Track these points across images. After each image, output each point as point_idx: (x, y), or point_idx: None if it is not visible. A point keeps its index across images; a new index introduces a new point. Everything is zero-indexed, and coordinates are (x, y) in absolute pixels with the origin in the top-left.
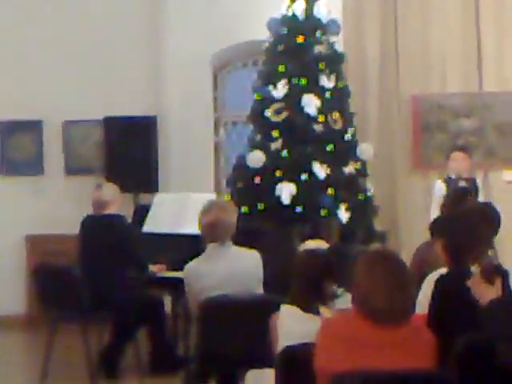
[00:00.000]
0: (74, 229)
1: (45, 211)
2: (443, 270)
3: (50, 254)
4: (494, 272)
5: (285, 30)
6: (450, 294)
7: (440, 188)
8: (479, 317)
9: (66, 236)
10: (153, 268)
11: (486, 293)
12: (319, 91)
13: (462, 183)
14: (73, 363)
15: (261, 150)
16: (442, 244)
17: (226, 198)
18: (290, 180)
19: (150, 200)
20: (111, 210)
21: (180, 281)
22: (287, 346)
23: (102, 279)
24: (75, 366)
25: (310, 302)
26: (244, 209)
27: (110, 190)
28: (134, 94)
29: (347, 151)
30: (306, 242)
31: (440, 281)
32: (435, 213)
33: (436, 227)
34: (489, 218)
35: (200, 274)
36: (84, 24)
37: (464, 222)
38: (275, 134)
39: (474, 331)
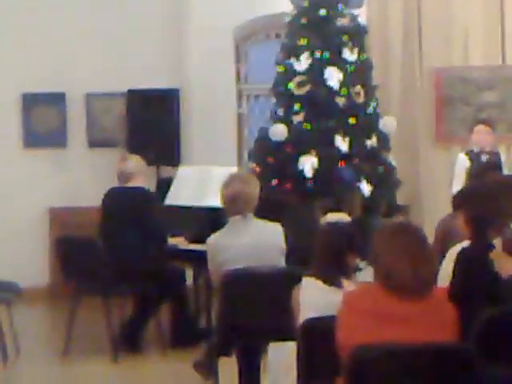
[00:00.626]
0: (97, 201)
1: (68, 184)
2: (466, 243)
3: (73, 227)
4: None
5: (307, 3)
6: (473, 267)
7: (463, 161)
8: (501, 289)
9: (89, 208)
10: (173, 240)
11: (507, 265)
12: (342, 64)
13: (485, 157)
14: (95, 336)
15: (283, 123)
16: (463, 217)
17: (250, 170)
18: (313, 153)
19: (172, 173)
20: (136, 182)
21: (202, 253)
22: (309, 319)
23: (124, 252)
24: (97, 339)
25: (332, 274)
26: (267, 182)
27: (135, 162)
28: (157, 67)
29: (369, 124)
30: (328, 215)
31: (462, 254)
32: (457, 186)
33: (457, 200)
34: (508, 191)
35: (222, 247)
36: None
37: (486, 195)
38: (297, 107)
39: (496, 304)
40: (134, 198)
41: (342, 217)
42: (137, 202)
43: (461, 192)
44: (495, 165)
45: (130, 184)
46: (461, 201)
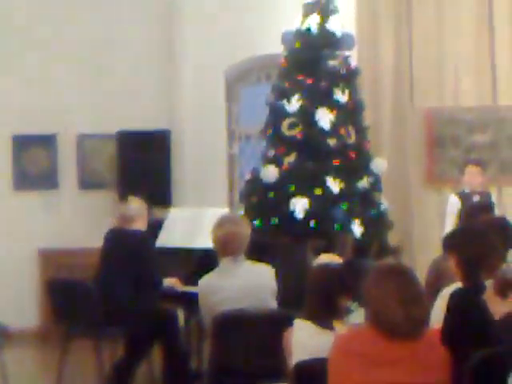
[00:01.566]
0: (88, 243)
1: (58, 225)
2: (457, 285)
3: (63, 268)
4: (508, 286)
5: (299, 44)
6: (465, 308)
7: (454, 202)
8: (494, 331)
9: (79, 250)
10: (168, 282)
11: (499, 307)
12: (333, 105)
13: (477, 197)
14: (86, 379)
15: (274, 164)
16: (454, 259)
17: (240, 212)
18: (304, 194)
19: (163, 214)
20: (137, 225)
21: (193, 295)
22: (301, 361)
23: (117, 294)
24: (88, 381)
25: (324, 316)
26: (257, 223)
27: (137, 205)
28: (148, 108)
29: (361, 165)
30: (320, 257)
31: (454, 295)
32: (449, 227)
33: (448, 242)
34: (502, 232)
35: (214, 289)
36: (98, 38)
37: (476, 237)
38: (289, 148)
39: (488, 346)
40: (132, 242)
41: (334, 258)
42: (135, 245)
43: (451, 234)
44: (487, 205)
45: (131, 227)
46: (451, 243)
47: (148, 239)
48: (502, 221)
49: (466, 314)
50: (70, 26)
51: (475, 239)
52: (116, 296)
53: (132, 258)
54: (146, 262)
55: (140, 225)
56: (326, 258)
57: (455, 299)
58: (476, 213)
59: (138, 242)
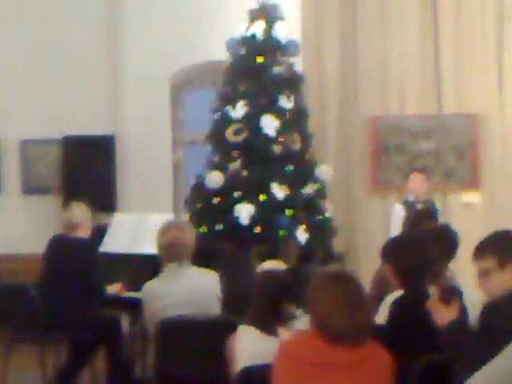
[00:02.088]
0: (31, 248)
1: (1, 231)
2: (400, 292)
3: (6, 274)
4: (451, 293)
5: (244, 51)
6: (405, 316)
7: (399, 211)
8: (437, 339)
9: (23, 255)
10: (112, 288)
11: (443, 315)
12: (278, 112)
13: (420, 206)
14: None
15: (219, 170)
16: (390, 268)
17: (185, 218)
18: (249, 201)
19: (108, 220)
20: (81, 232)
21: (137, 301)
22: (245, 367)
23: (60, 300)
24: None
25: (268, 322)
26: (202, 229)
27: (81, 211)
28: (93, 114)
29: (306, 172)
30: (264, 263)
31: (395, 303)
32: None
33: (385, 252)
34: (445, 240)
35: (157, 295)
36: (42, 43)
37: (411, 247)
38: (234, 154)
39: (431, 353)
40: (76, 249)
41: (278, 265)
42: (79, 252)
43: (387, 244)
44: (431, 213)
45: (75, 234)
46: (387, 253)
47: (92, 246)
48: (445, 228)
49: (407, 321)
50: (14, 28)
51: (410, 249)
52: (59, 302)
53: (76, 265)
54: (89, 268)
55: (84, 231)
56: (270, 265)
57: (396, 307)
58: (419, 221)
59: (81, 249)
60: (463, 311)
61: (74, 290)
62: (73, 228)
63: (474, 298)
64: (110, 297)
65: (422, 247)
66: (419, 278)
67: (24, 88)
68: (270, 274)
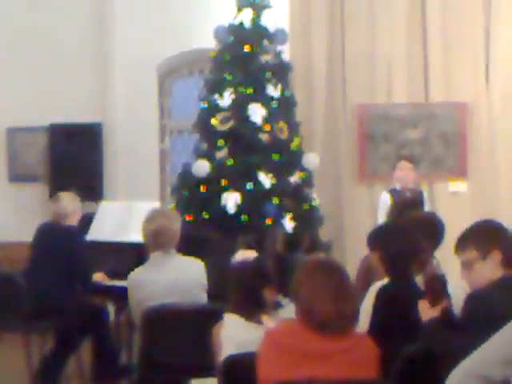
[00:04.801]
0: (18, 236)
1: None
2: (386, 281)
3: None
4: (436, 281)
5: (231, 39)
6: (391, 304)
7: (386, 199)
8: (418, 327)
9: (9, 244)
10: (96, 278)
11: (428, 313)
12: (265, 100)
13: (407, 194)
14: (15, 372)
15: (206, 158)
16: (377, 256)
17: (171, 206)
18: (236, 189)
19: (94, 208)
20: (70, 221)
21: (123, 289)
22: (230, 355)
23: (46, 288)
24: (17, 376)
25: (249, 310)
26: (189, 218)
27: (69, 202)
28: (80, 101)
29: (293, 161)
30: (237, 253)
31: (380, 292)
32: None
33: (371, 239)
34: (431, 228)
35: (143, 283)
36: (30, 31)
37: (398, 234)
38: (221, 142)
39: (417, 341)
40: (64, 237)
41: (250, 254)
42: (66, 241)
43: (374, 231)
44: (417, 201)
45: (64, 222)
46: (374, 240)
47: (79, 235)
48: (432, 217)
49: (394, 310)
50: (2, 19)
51: (396, 237)
52: (46, 290)
53: (63, 253)
54: (76, 257)
55: (74, 220)
56: (242, 255)
57: (383, 295)
58: (405, 209)
59: (69, 237)
60: (448, 301)
61: (60, 277)
62: (61, 219)
63: (459, 287)
64: (97, 285)
65: (409, 235)
66: (405, 266)
67: (10, 75)
68: (244, 263)
